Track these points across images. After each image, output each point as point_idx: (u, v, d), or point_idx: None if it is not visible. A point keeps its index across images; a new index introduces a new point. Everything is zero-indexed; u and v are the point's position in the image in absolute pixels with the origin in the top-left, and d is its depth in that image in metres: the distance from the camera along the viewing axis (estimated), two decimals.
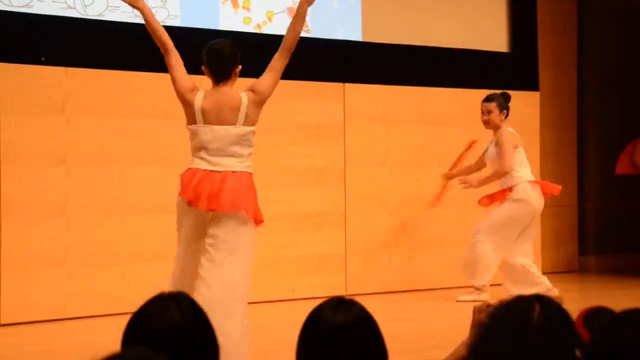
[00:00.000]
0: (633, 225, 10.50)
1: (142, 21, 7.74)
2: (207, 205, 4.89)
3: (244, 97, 5.11)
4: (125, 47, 7.74)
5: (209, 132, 5.02)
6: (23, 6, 7.27)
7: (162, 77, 7.84)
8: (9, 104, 7.10)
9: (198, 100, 5.07)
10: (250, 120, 5.10)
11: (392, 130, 8.86)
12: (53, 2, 7.40)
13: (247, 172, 5.05)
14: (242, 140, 5.05)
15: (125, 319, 2.33)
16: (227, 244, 4.89)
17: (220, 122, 5.05)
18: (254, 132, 5.12)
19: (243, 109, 5.07)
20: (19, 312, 7.07)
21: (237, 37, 8.32)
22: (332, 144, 8.61)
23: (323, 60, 8.67)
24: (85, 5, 7.53)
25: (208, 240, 4.90)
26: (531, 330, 2.11)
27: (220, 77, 5.14)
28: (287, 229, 8.34)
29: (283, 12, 8.50)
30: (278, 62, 5.25)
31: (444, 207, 8.96)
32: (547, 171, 9.95)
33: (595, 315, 2.34)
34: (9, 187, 7.07)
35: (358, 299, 2.39)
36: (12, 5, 7.23)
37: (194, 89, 5.14)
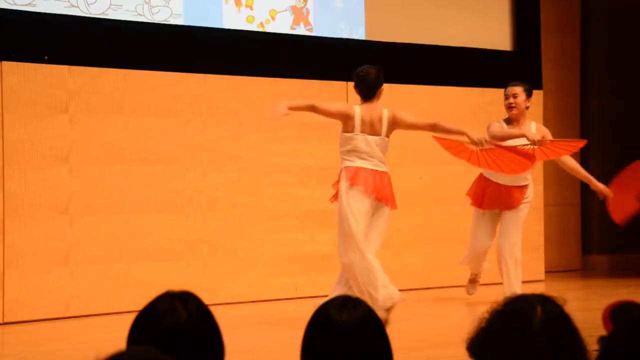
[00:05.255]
0: (636, 224, 10.47)
1: (144, 20, 7.78)
2: (377, 196, 6.46)
3: (385, 113, 6.49)
4: (128, 46, 7.74)
5: (363, 140, 6.45)
6: (26, 4, 7.27)
7: (165, 76, 7.86)
8: (12, 103, 7.10)
9: (358, 112, 6.45)
10: (388, 133, 6.52)
11: None
12: (56, 0, 7.39)
13: (388, 173, 6.56)
14: (384, 148, 6.52)
15: (128, 318, 2.32)
16: (382, 224, 6.59)
17: (373, 133, 6.46)
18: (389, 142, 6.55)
19: (385, 122, 6.48)
20: (22, 311, 7.07)
21: (240, 36, 8.36)
22: (335, 142, 8.59)
23: (326, 59, 8.66)
24: (88, 4, 7.53)
25: (373, 220, 6.53)
26: (531, 333, 2.09)
27: (366, 97, 6.51)
28: (291, 228, 8.34)
29: (286, 10, 8.50)
30: (421, 121, 6.72)
31: (447, 206, 8.96)
32: (550, 169, 9.93)
33: (623, 309, 2.32)
34: (13, 186, 7.06)
35: None
36: (15, 4, 7.23)
37: (350, 106, 6.54)
